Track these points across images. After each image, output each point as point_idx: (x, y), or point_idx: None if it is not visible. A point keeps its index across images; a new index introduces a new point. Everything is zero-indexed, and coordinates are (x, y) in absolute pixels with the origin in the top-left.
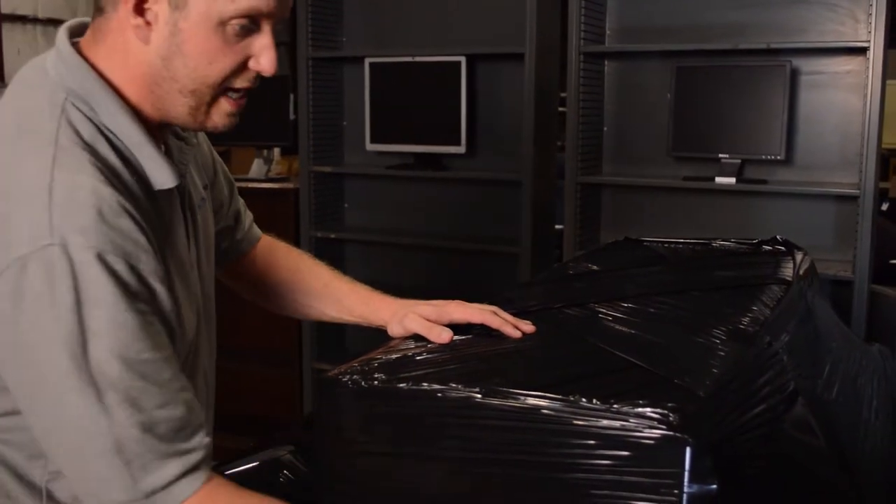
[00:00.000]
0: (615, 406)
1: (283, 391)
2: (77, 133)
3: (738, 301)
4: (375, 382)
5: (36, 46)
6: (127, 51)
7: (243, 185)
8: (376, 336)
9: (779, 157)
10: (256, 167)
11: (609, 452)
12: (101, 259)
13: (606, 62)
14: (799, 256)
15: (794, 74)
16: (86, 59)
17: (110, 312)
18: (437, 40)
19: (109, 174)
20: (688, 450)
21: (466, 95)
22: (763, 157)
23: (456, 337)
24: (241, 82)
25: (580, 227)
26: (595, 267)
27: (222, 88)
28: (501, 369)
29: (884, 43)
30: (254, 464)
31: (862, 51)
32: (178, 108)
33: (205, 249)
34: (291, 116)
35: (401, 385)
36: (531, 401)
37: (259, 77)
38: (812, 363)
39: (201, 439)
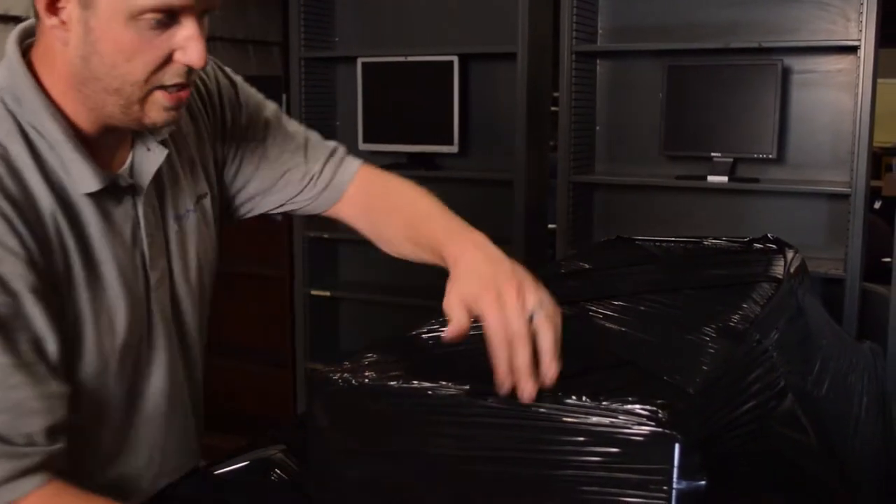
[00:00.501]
0: (605, 403)
1: (277, 391)
2: None
3: (728, 299)
4: (366, 381)
5: None
6: (53, 53)
7: None
8: (370, 336)
9: (771, 156)
10: None
11: (598, 449)
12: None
13: (599, 61)
14: (790, 255)
15: (786, 73)
16: (30, 60)
17: None
18: (429, 40)
19: (3, 172)
20: (677, 446)
21: (459, 95)
22: (755, 155)
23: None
24: (170, 77)
25: (573, 226)
26: (587, 265)
27: (151, 85)
28: (492, 367)
29: (875, 41)
30: (245, 463)
31: (853, 49)
32: (110, 107)
33: (181, 261)
34: None
35: (391, 383)
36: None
37: (191, 71)
38: (802, 360)
39: (44, 445)
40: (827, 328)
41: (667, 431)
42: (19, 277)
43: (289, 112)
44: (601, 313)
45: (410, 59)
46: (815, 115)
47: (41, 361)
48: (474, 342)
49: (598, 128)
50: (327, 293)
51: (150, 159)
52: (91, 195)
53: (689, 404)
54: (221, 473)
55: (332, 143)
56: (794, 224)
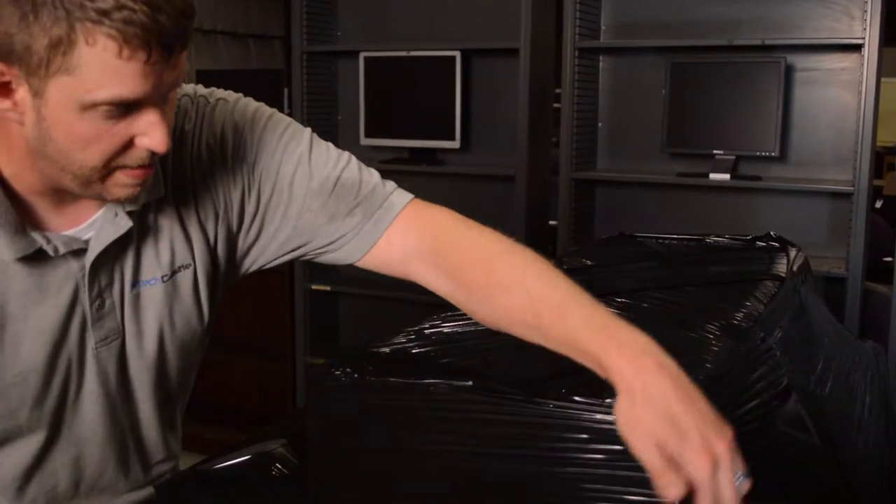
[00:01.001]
0: (608, 400)
1: (276, 385)
2: None
3: (731, 296)
4: (367, 375)
5: None
6: (9, 128)
7: None
8: (370, 331)
9: (773, 154)
10: None
11: (601, 446)
12: None
13: (601, 58)
14: (793, 253)
15: (789, 71)
16: None
17: None
18: (432, 35)
19: None
20: None
21: (461, 90)
22: (757, 153)
23: (451, 330)
24: (131, 160)
25: (574, 222)
26: (589, 262)
27: (111, 168)
28: (494, 363)
29: (879, 40)
30: (245, 457)
31: (857, 48)
32: (67, 183)
33: (134, 325)
34: (286, 111)
35: (392, 378)
36: (523, 395)
37: (153, 154)
38: (805, 359)
39: None
40: (830, 327)
41: None
42: None
43: (290, 107)
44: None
45: (413, 53)
46: (817, 113)
47: None
48: (476, 337)
49: (600, 124)
50: (327, 288)
51: (112, 227)
52: (18, 263)
53: None
54: (222, 468)
55: (371, 179)
56: (796, 222)
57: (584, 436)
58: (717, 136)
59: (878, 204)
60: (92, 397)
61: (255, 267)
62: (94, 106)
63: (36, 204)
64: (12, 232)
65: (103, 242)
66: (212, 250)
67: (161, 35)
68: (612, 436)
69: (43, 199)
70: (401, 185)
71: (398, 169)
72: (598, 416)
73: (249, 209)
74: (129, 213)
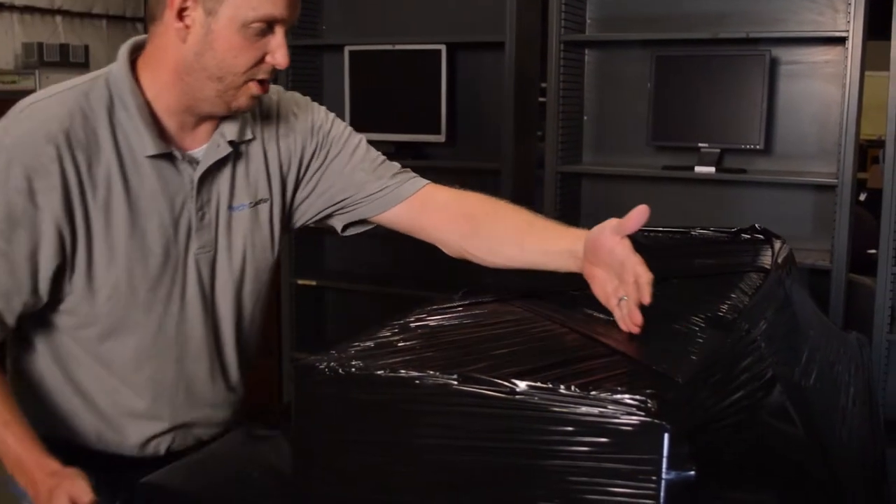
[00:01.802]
0: (593, 392)
1: (263, 380)
2: (86, 95)
3: (716, 289)
4: (353, 370)
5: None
6: (165, 51)
7: None
8: (357, 325)
9: (758, 147)
10: None
11: (587, 439)
12: (6, 146)
13: (587, 51)
14: (777, 245)
15: (774, 64)
16: (134, 65)
17: None
18: (417, 28)
19: (84, 127)
20: (666, 436)
21: (447, 84)
22: (742, 146)
23: (436, 323)
24: (261, 73)
25: (560, 216)
26: None
27: (247, 77)
28: (479, 356)
29: (862, 33)
30: (231, 451)
31: (841, 41)
32: (206, 91)
33: (226, 241)
34: None
35: (378, 372)
36: (509, 388)
37: (275, 70)
38: (790, 351)
39: None
40: (814, 318)
41: (656, 421)
42: (49, 198)
43: None
44: (588, 302)
45: (398, 47)
46: (802, 106)
47: (27, 265)
48: (460, 331)
49: (585, 118)
50: (313, 282)
51: (216, 152)
52: (151, 159)
53: (678, 394)
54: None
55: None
56: (781, 215)
57: (570, 428)
58: (702, 130)
59: (862, 197)
60: (193, 300)
61: (301, 221)
62: (251, 23)
63: (166, 123)
64: (151, 134)
65: (209, 161)
66: (283, 192)
67: None
68: (599, 428)
69: (172, 119)
70: None
71: None
72: (584, 409)
73: (315, 164)
74: (230, 143)
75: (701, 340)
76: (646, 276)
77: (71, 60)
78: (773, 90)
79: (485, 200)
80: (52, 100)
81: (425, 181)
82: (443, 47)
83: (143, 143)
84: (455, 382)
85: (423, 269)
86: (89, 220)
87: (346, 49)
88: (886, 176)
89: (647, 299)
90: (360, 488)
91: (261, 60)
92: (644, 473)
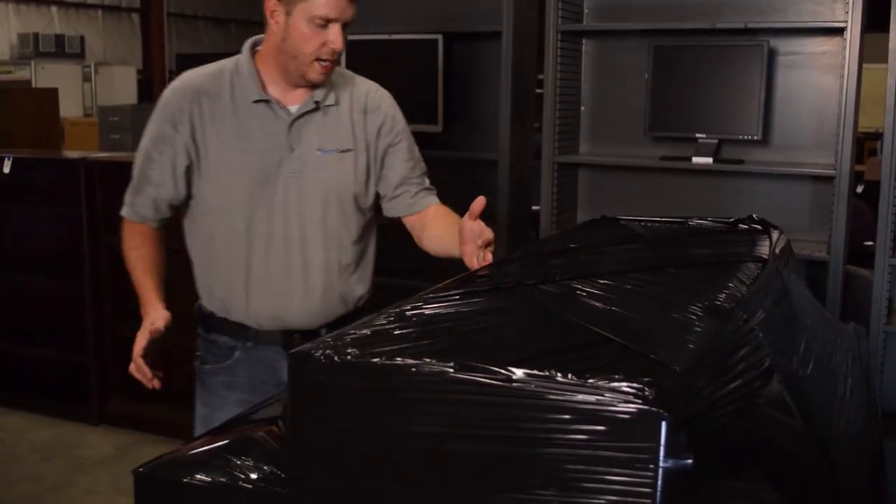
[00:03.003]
0: (590, 380)
1: None
2: (218, 67)
3: (714, 278)
4: (348, 357)
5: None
6: (268, 39)
7: None
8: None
9: (755, 138)
10: None
11: (584, 427)
12: (164, 96)
13: (584, 41)
14: (775, 235)
15: (772, 54)
16: (255, 53)
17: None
18: (413, 18)
19: (213, 82)
20: (663, 424)
21: (443, 74)
22: (740, 137)
23: (433, 311)
24: (324, 55)
25: (556, 206)
26: (572, 245)
27: (313, 57)
28: (476, 344)
29: (861, 23)
30: (226, 441)
31: (839, 31)
32: (289, 66)
33: (314, 174)
34: None
35: (374, 360)
36: (505, 375)
37: (335, 52)
38: (787, 340)
39: (131, 201)
40: (812, 309)
41: (653, 409)
42: (182, 127)
43: None
44: (586, 291)
45: (394, 37)
46: (800, 97)
47: (169, 167)
48: (456, 319)
49: (582, 108)
50: None
51: (304, 107)
52: (255, 104)
53: (675, 382)
54: (201, 451)
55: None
56: (778, 206)
57: (567, 416)
58: (699, 120)
59: (859, 189)
60: (279, 206)
61: (373, 190)
62: (314, 20)
63: (269, 88)
64: (256, 88)
65: (301, 111)
66: (367, 149)
67: None
68: (595, 416)
69: (274, 85)
70: None
71: None
72: (581, 397)
73: (382, 143)
74: (316, 103)
75: (698, 329)
76: (489, 233)
77: (67, 51)
78: (771, 81)
79: (439, 210)
80: (196, 70)
81: (434, 200)
82: (439, 37)
83: (251, 93)
84: (451, 370)
85: (420, 260)
86: (207, 140)
87: None
88: (884, 167)
89: (489, 235)
90: (356, 476)
91: (322, 45)
92: (641, 462)
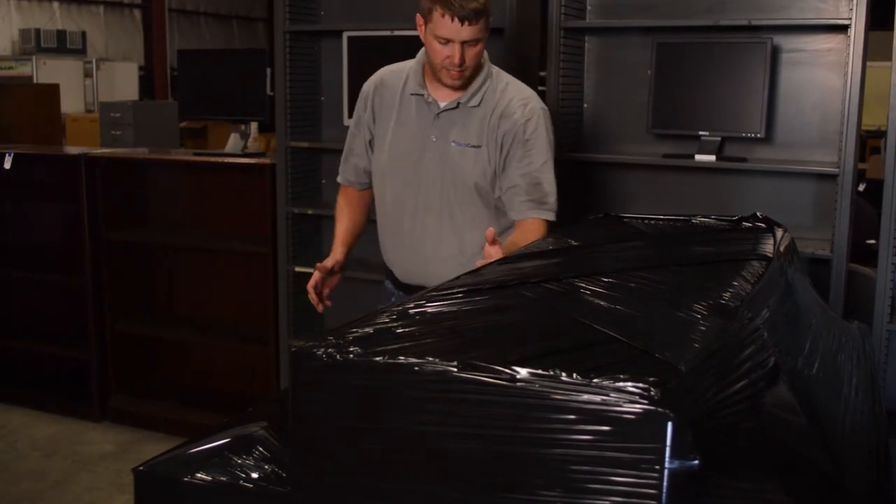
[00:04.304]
0: (595, 380)
1: (259, 368)
2: (401, 66)
3: (718, 276)
4: (351, 356)
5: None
6: (426, 48)
7: (219, 160)
8: (354, 313)
9: (759, 135)
10: (233, 142)
11: (589, 427)
12: (364, 84)
13: (587, 38)
14: (779, 233)
15: (775, 52)
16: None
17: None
18: (415, 14)
19: (394, 76)
20: (669, 425)
21: None
22: (743, 134)
23: (435, 310)
24: (448, 65)
25: (559, 204)
26: (575, 242)
27: (442, 66)
28: (479, 343)
29: (865, 22)
30: (226, 440)
31: (843, 29)
32: (434, 72)
33: (451, 160)
34: (269, 92)
35: (377, 359)
36: (509, 375)
37: (454, 65)
38: (793, 339)
39: (342, 168)
40: (816, 307)
41: (659, 409)
42: (367, 112)
43: (273, 87)
44: (590, 289)
45: (397, 33)
46: (803, 94)
47: (362, 142)
48: (459, 318)
49: (585, 105)
50: (311, 270)
51: (448, 104)
52: (413, 96)
53: (681, 382)
54: (204, 450)
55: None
56: (781, 204)
57: (572, 416)
58: (702, 117)
59: (861, 187)
60: (425, 180)
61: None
62: (437, 37)
63: (429, 86)
64: (417, 84)
65: (445, 107)
66: (497, 147)
67: (460, 13)
68: (601, 416)
69: (431, 84)
70: None
71: None
72: (586, 397)
73: (506, 147)
74: (458, 103)
75: (703, 328)
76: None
77: (68, 47)
78: (775, 78)
79: (521, 227)
80: (386, 67)
81: (528, 216)
82: None
83: (412, 88)
84: (455, 369)
85: None
86: (379, 122)
87: (345, 35)
88: (888, 165)
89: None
90: (357, 475)
91: (446, 58)
92: (647, 462)
